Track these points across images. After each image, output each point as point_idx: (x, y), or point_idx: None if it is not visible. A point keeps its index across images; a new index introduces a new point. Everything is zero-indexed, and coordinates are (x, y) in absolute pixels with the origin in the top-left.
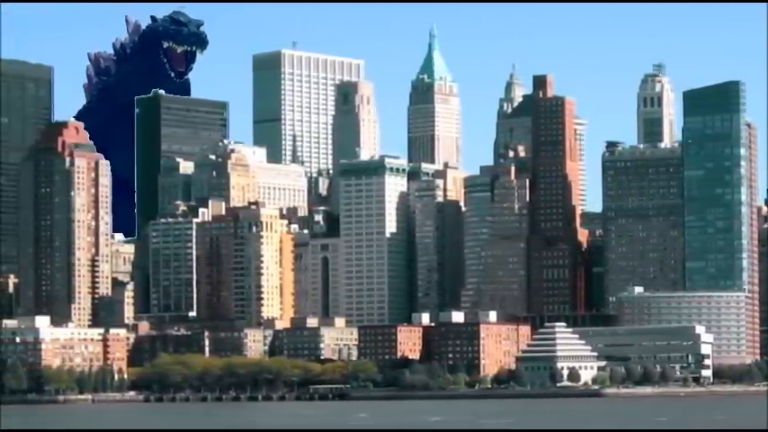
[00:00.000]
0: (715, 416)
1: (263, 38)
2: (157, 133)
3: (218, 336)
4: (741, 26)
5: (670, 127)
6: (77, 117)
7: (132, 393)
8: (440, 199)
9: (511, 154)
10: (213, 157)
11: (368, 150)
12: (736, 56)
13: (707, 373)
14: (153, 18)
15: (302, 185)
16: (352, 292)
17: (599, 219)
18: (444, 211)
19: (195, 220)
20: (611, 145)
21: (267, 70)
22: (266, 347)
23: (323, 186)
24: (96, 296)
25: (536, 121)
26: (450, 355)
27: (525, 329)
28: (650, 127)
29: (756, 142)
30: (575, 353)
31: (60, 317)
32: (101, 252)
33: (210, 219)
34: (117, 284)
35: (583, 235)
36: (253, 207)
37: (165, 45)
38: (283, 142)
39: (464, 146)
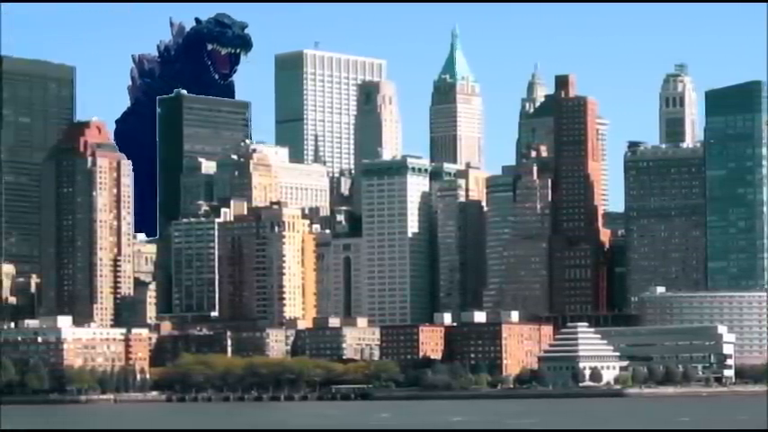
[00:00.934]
0: (737, 416)
1: (285, 38)
2: (180, 133)
3: (240, 336)
4: (763, 26)
5: (692, 127)
6: (121, 119)
7: (154, 393)
8: (462, 199)
9: (533, 154)
10: (235, 156)
11: (390, 150)
12: (758, 56)
13: (729, 372)
14: (197, 20)
15: (324, 185)
16: (374, 292)
17: (621, 219)
18: (466, 210)
19: (217, 219)
20: (633, 145)
21: (289, 70)
22: (288, 347)
23: (345, 186)
24: (118, 296)
25: (558, 121)
26: (473, 355)
27: (547, 329)
28: (672, 127)
29: None
30: (597, 353)
31: (82, 317)
32: (123, 252)
33: (233, 219)
34: (139, 284)
35: (605, 235)
36: (275, 207)
37: (210, 47)
38: (305, 142)
39: (486, 146)
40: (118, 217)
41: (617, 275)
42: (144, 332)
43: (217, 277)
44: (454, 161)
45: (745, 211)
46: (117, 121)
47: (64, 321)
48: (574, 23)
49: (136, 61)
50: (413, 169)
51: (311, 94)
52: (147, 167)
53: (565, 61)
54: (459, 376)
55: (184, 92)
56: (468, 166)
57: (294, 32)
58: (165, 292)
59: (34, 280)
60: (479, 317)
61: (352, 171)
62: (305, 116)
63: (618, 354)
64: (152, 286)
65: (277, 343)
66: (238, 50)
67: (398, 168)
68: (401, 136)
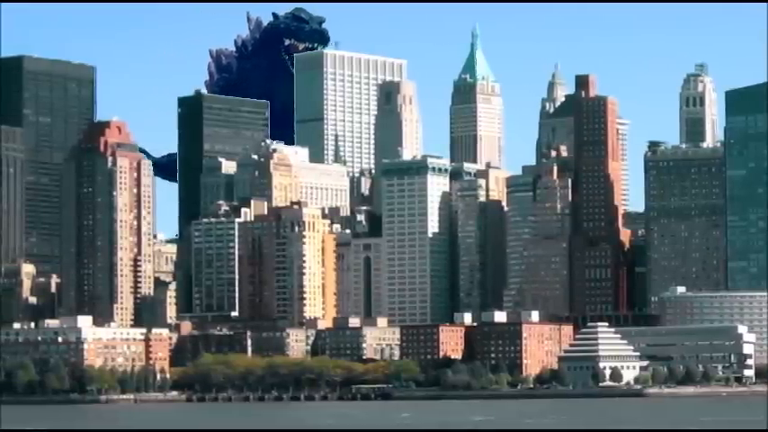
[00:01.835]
0: (757, 416)
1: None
2: (200, 133)
3: (260, 335)
4: None
5: (712, 127)
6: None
7: (174, 393)
8: (482, 199)
9: (553, 154)
10: (255, 156)
11: (410, 150)
12: None
13: (749, 372)
14: (274, 15)
15: (344, 185)
16: (394, 292)
17: (641, 219)
18: (487, 210)
19: (237, 219)
20: (653, 145)
21: (309, 70)
22: (308, 347)
23: (365, 186)
24: (138, 296)
25: (578, 121)
26: (493, 355)
27: (567, 329)
28: (692, 127)
29: None
30: (617, 353)
31: (102, 317)
32: (143, 252)
33: (253, 218)
34: (159, 284)
35: (625, 235)
36: (295, 207)
37: (287, 42)
38: (326, 142)
39: (506, 146)
40: (138, 217)
41: (637, 275)
42: (164, 332)
43: (237, 277)
44: (474, 161)
45: (765, 211)
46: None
47: (84, 321)
48: (594, 23)
49: (213, 56)
50: (433, 169)
51: (331, 94)
52: None
53: (585, 61)
54: (479, 376)
55: (204, 91)
56: (488, 165)
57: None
58: (186, 292)
59: (54, 280)
60: (500, 317)
61: (373, 171)
62: (325, 116)
63: (638, 354)
64: (172, 286)
65: (297, 343)
66: (316, 45)
67: (419, 168)
68: (421, 136)
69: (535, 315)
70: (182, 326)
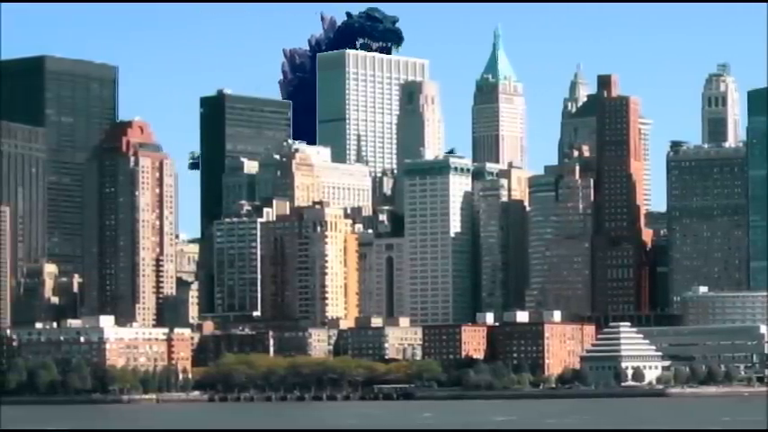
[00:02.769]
0: None
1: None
2: (222, 133)
3: (282, 335)
4: None
5: (734, 126)
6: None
7: (196, 393)
8: (504, 199)
9: (575, 154)
10: (278, 156)
11: (432, 150)
12: None
13: None
14: (348, 14)
15: (367, 185)
16: (416, 292)
17: (663, 218)
18: (509, 210)
19: (260, 219)
20: (675, 145)
21: (332, 70)
22: (331, 347)
23: (387, 186)
24: (161, 296)
25: (601, 121)
26: (515, 355)
27: (590, 329)
28: (715, 126)
29: None
30: (639, 352)
31: (125, 317)
32: (165, 252)
33: (275, 218)
34: (181, 284)
35: (647, 235)
36: (317, 207)
37: (360, 41)
38: (348, 142)
39: (528, 145)
40: (160, 217)
41: (659, 275)
42: (186, 332)
43: (259, 277)
44: (496, 161)
45: None
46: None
47: (106, 321)
48: (616, 23)
49: (287, 56)
50: (455, 169)
51: (353, 94)
52: None
53: (607, 61)
54: (501, 376)
55: (228, 91)
56: (510, 165)
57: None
58: (208, 292)
59: (76, 280)
60: (522, 317)
61: (395, 171)
62: (347, 116)
63: (660, 353)
64: (194, 286)
65: (319, 343)
66: (389, 44)
67: (441, 168)
68: (443, 136)
69: (557, 315)
70: (204, 326)
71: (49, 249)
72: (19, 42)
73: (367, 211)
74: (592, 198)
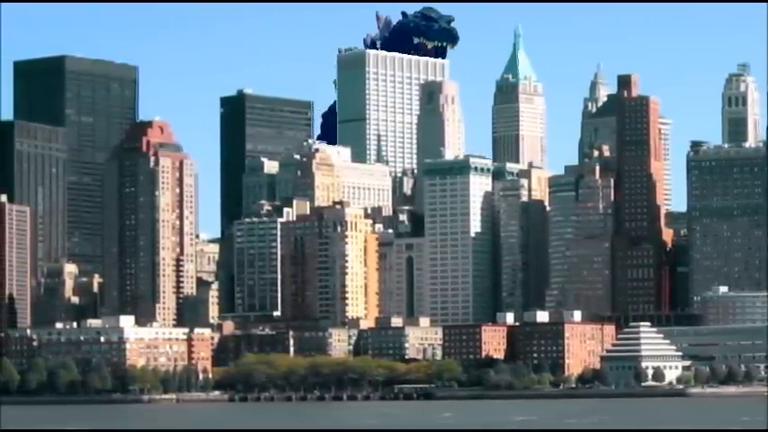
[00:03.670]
0: None
1: (348, 37)
2: (242, 133)
3: (302, 335)
4: None
5: (754, 126)
6: (328, 112)
7: (217, 393)
8: (524, 198)
9: (595, 153)
10: (298, 156)
11: (452, 150)
12: None
13: None
14: (403, 14)
15: (387, 185)
16: (436, 292)
17: (683, 218)
18: (529, 210)
19: (280, 219)
20: (695, 144)
21: (352, 70)
22: (351, 347)
23: (407, 186)
24: (181, 296)
25: (621, 121)
26: (535, 355)
27: (610, 329)
28: (735, 126)
29: None
30: (659, 352)
31: (145, 316)
32: (185, 252)
33: (295, 218)
34: (201, 284)
35: (667, 234)
36: (337, 207)
37: (416, 41)
38: (368, 142)
39: (548, 145)
40: (180, 216)
41: (679, 275)
42: (206, 332)
43: (279, 277)
44: (517, 161)
45: None
46: (324, 115)
47: (126, 321)
48: (636, 23)
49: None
50: (475, 169)
51: (374, 94)
52: None
53: (627, 61)
54: (521, 376)
55: (249, 90)
56: (530, 165)
57: (357, 32)
58: (228, 292)
59: (97, 280)
60: (542, 316)
61: (415, 171)
62: (367, 116)
63: (680, 353)
64: (214, 286)
65: (339, 342)
66: (445, 44)
67: (461, 168)
68: (463, 136)
69: (577, 315)
70: (224, 326)
71: (70, 249)
72: (39, 42)
73: (387, 210)
74: (612, 198)
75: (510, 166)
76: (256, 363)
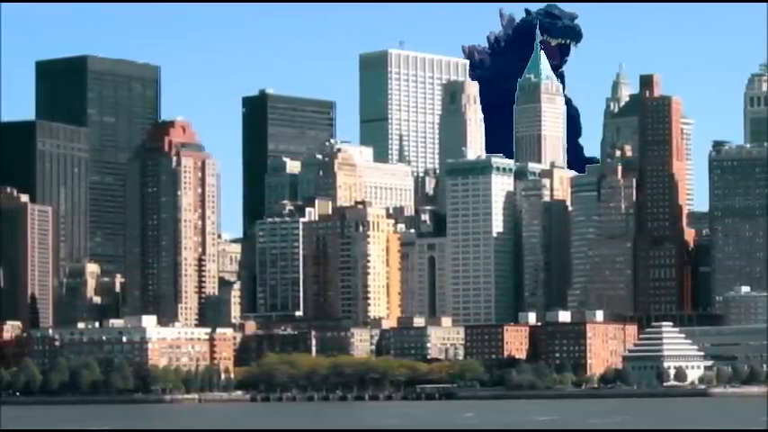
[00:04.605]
0: None
1: (369, 37)
2: (264, 132)
3: (324, 335)
4: None
5: None
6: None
7: (239, 393)
8: (546, 198)
9: (618, 153)
10: (320, 156)
11: (474, 150)
12: None
13: None
14: (527, 11)
15: (409, 185)
16: (458, 292)
17: (706, 218)
18: (551, 210)
19: (302, 219)
20: (717, 144)
21: (374, 70)
22: (373, 347)
23: (429, 186)
24: (203, 296)
25: (643, 121)
26: (557, 355)
27: (632, 329)
28: (757, 126)
29: None
30: (681, 352)
31: (167, 316)
32: (207, 251)
33: (317, 218)
34: (224, 284)
35: (689, 234)
36: (359, 206)
37: (539, 38)
38: (390, 142)
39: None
40: (202, 216)
41: (701, 275)
42: (228, 332)
43: (301, 277)
44: (539, 161)
45: None
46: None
47: (148, 321)
48: (658, 23)
49: (466, 53)
50: (497, 169)
51: (396, 94)
52: None
53: (650, 61)
54: (543, 376)
55: (271, 90)
56: (552, 165)
57: (379, 32)
58: (250, 292)
59: (119, 279)
60: (564, 316)
61: (437, 170)
62: (389, 116)
63: (702, 353)
64: (236, 286)
65: (361, 342)
66: (568, 41)
67: (483, 168)
68: (485, 136)
69: (599, 315)
70: (246, 325)
71: (92, 249)
72: (61, 42)
73: (409, 210)
74: (634, 198)
75: (532, 165)
76: (278, 363)
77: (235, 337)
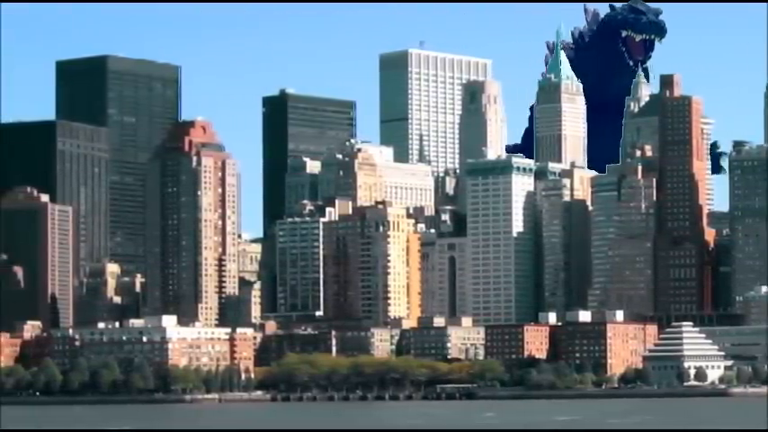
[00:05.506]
0: None
1: (390, 37)
2: (284, 132)
3: (345, 335)
4: None
5: None
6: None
7: (259, 393)
8: (567, 198)
9: (638, 153)
10: (340, 156)
11: (495, 150)
12: None
13: None
14: (611, 7)
15: (429, 185)
16: (478, 292)
17: (726, 218)
18: (571, 210)
19: (322, 219)
20: (737, 144)
21: (394, 69)
22: (393, 347)
23: (450, 186)
24: (223, 295)
25: (663, 121)
26: (577, 355)
27: (652, 329)
28: None
29: None
30: (702, 352)
31: (187, 316)
32: (227, 251)
33: (337, 218)
34: (244, 284)
35: (710, 234)
36: (380, 206)
37: (624, 34)
38: (410, 141)
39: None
40: (222, 216)
41: (721, 275)
42: (249, 332)
43: (321, 277)
44: (559, 161)
45: None
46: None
47: (169, 321)
48: (679, 23)
49: (549, 48)
50: (517, 169)
51: (416, 94)
52: None
53: (670, 61)
54: (563, 376)
55: (292, 90)
56: (572, 165)
57: (399, 32)
58: (270, 292)
59: (139, 279)
60: (584, 316)
61: (457, 170)
62: (410, 116)
63: (723, 353)
64: (257, 286)
65: (382, 342)
66: (653, 37)
67: (503, 168)
68: (506, 135)
69: (620, 314)
70: (266, 325)
71: (112, 249)
72: (81, 42)
73: (429, 210)
74: (654, 198)
75: (552, 165)
76: (299, 362)
77: (255, 337)
